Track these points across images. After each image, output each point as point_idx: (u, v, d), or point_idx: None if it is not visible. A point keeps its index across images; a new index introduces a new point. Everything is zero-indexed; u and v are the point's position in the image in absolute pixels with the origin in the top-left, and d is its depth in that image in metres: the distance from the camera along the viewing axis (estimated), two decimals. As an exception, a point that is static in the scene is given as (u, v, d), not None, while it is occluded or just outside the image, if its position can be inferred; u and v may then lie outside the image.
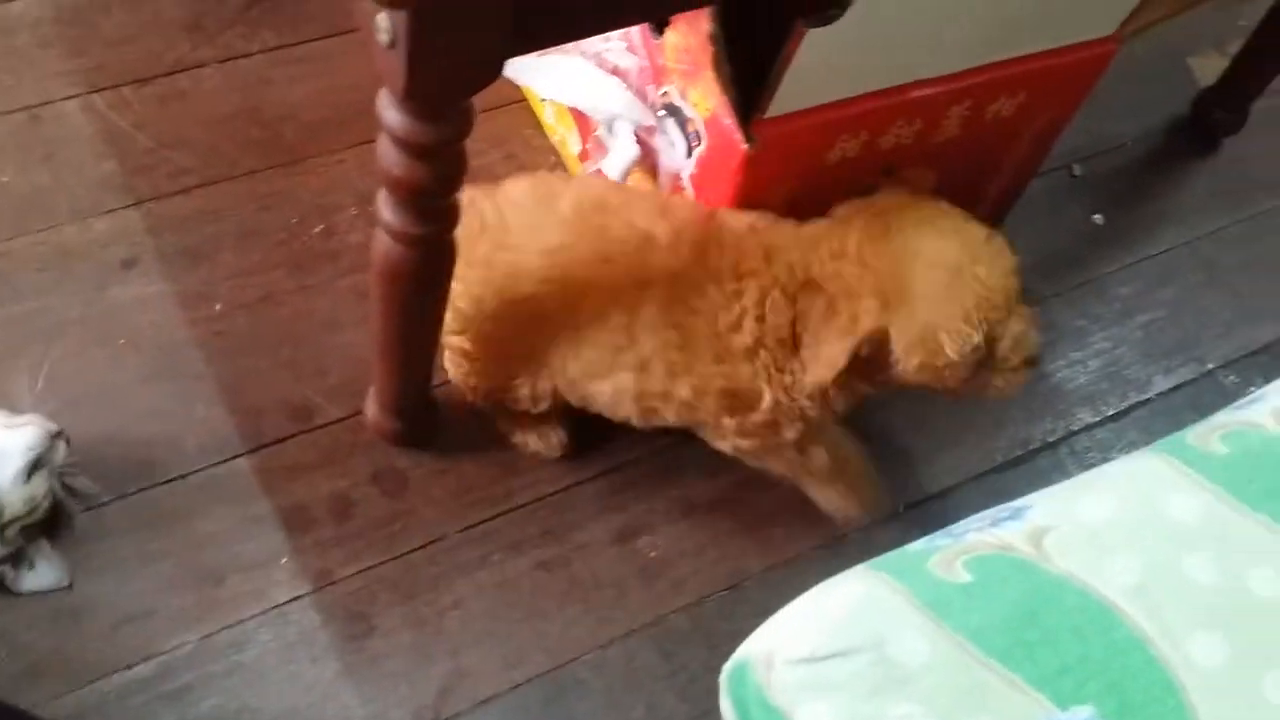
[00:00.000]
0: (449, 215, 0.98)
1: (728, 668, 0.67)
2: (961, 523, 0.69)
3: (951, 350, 1.01)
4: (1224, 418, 0.89)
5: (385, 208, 0.96)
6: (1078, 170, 1.68)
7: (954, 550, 0.63)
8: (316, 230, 1.40)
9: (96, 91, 1.45)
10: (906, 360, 1.03)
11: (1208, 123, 1.75)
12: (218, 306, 1.33)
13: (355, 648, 1.17)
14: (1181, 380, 1.51)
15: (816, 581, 0.77)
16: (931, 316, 1.02)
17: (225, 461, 1.24)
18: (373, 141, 1.39)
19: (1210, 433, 0.85)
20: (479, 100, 0.86)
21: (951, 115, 1.23)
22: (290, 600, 1.18)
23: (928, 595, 0.61)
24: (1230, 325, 1.58)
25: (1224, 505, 0.77)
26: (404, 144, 0.88)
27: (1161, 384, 1.50)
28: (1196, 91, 1.76)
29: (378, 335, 1.13)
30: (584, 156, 1.44)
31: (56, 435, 1.12)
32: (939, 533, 0.68)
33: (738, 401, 1.11)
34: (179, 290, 1.33)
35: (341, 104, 1.50)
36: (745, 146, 1.11)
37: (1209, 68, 1.78)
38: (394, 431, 1.26)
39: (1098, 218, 1.65)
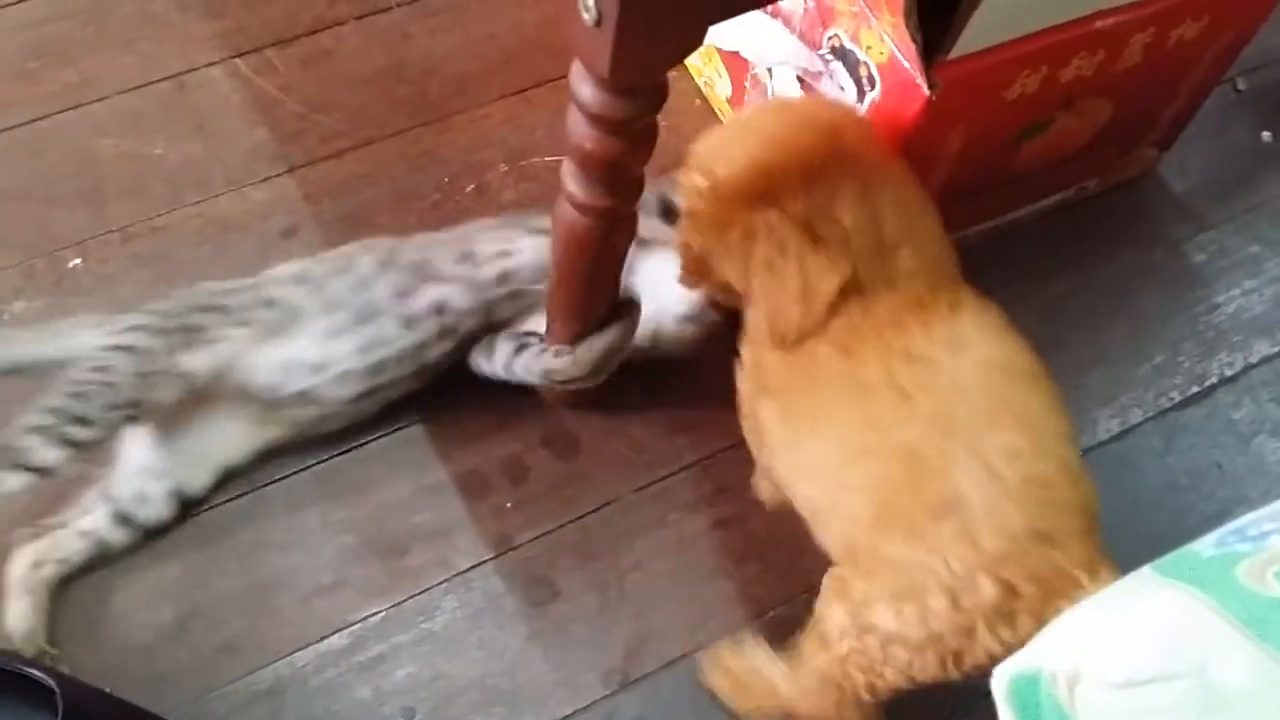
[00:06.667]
0: (636, 188, 0.96)
1: (1009, 674, 0.65)
2: (1249, 520, 0.66)
3: None
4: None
5: (572, 180, 0.94)
6: (1241, 85, 1.60)
7: (1262, 559, 0.60)
8: (469, 189, 1.38)
9: (239, 55, 1.44)
10: None
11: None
12: (378, 272, 1.32)
13: (540, 613, 1.17)
14: (1365, 305, 1.45)
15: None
16: None
17: (400, 429, 1.24)
18: (517, 94, 1.36)
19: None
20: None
21: (1134, 43, 1.17)
22: (473, 567, 1.18)
23: (1243, 612, 0.58)
24: None
25: None
26: (598, 120, 0.86)
27: (1345, 310, 1.44)
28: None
29: (555, 299, 1.11)
30: (736, 102, 1.40)
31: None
32: (1228, 533, 0.65)
33: None
34: (339, 258, 1.32)
35: (482, 56, 1.48)
36: (927, 92, 1.06)
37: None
38: (564, 393, 1.25)
39: (1266, 135, 1.57)
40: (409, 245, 1.22)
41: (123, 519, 1.14)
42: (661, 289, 1.19)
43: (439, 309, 1.18)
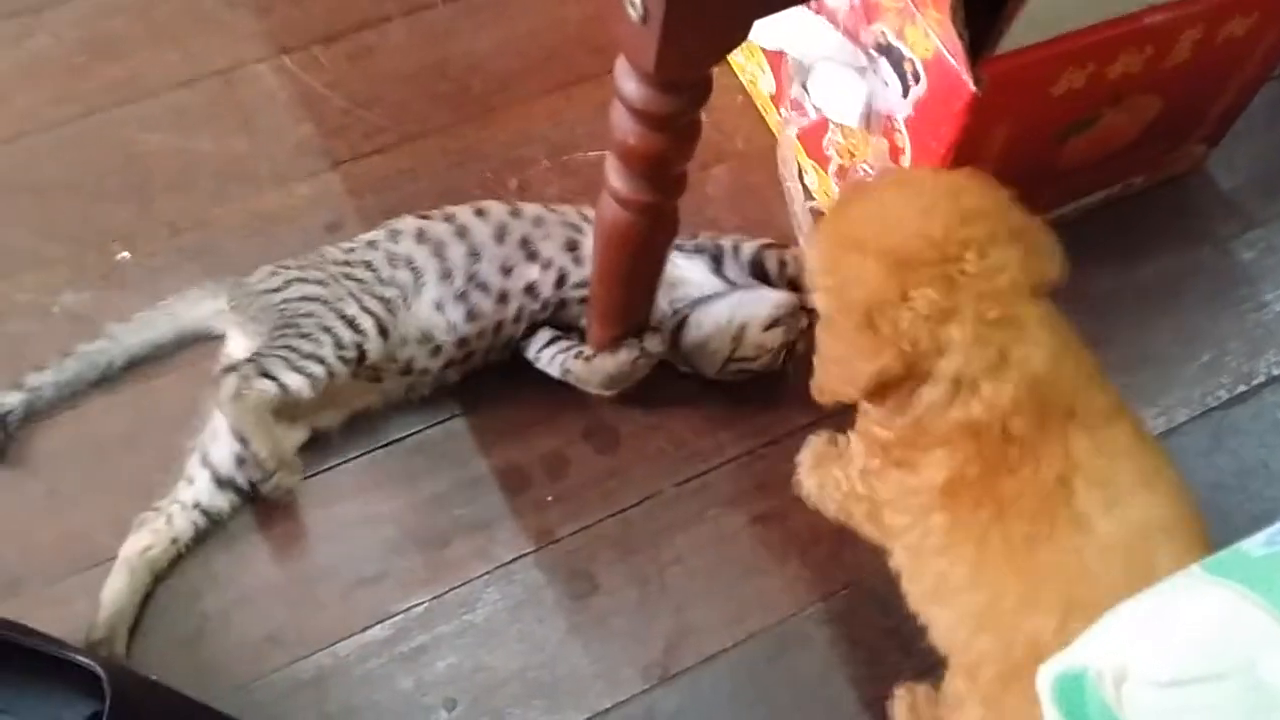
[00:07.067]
0: (679, 184, 0.96)
1: (1054, 672, 0.65)
2: (1301, 518, 0.66)
3: None
4: None
5: (616, 175, 0.95)
6: (1293, 80, 1.58)
7: (1313, 558, 0.60)
8: (511, 185, 1.39)
9: (286, 52, 1.46)
10: None
11: None
12: (421, 267, 1.33)
13: (580, 606, 1.17)
14: None
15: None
16: None
17: (442, 422, 1.25)
18: (559, 90, 1.35)
19: None
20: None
21: (1183, 40, 1.16)
22: (514, 560, 1.19)
23: (1293, 610, 0.57)
24: None
25: None
26: (642, 115, 0.86)
27: (1395, 309, 1.42)
28: None
29: (596, 293, 1.12)
30: (778, 98, 1.39)
31: (802, 310, 1.21)
32: (1278, 532, 0.65)
33: None
34: (383, 252, 1.33)
35: (525, 53, 1.48)
36: (973, 88, 1.06)
37: None
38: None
39: (1318, 131, 1.55)
40: (522, 217, 1.24)
41: (223, 483, 1.16)
42: (757, 299, 1.23)
43: (530, 289, 1.20)
